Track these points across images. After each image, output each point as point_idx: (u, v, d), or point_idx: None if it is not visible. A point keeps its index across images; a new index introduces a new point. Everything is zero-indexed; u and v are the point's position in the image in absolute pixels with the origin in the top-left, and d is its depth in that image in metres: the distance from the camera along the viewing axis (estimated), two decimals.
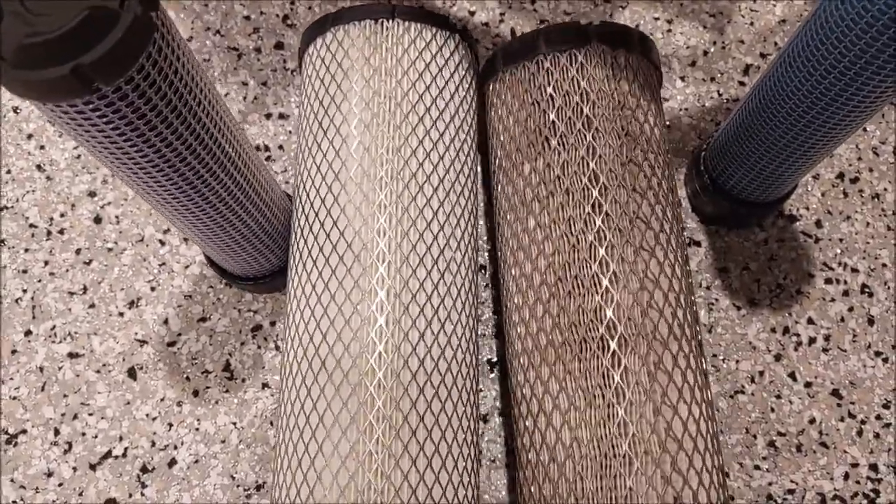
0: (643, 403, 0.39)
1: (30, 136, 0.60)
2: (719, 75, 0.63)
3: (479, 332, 0.55)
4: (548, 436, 0.41)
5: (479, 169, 0.60)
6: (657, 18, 0.65)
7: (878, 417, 0.54)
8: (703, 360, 0.43)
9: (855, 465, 0.53)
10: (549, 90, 0.47)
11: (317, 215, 0.46)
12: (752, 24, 0.65)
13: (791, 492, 0.52)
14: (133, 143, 0.34)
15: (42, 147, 0.60)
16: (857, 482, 0.52)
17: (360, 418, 0.40)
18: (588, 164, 0.44)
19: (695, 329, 0.43)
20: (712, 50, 0.64)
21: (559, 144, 0.45)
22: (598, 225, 0.43)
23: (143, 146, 0.34)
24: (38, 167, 0.59)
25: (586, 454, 0.39)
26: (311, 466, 0.40)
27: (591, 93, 0.46)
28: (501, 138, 0.49)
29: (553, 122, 0.46)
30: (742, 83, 0.63)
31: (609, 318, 0.41)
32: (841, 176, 0.61)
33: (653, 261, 0.43)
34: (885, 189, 0.60)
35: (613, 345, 0.40)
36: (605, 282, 0.42)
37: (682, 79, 0.63)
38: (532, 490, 0.42)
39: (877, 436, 0.54)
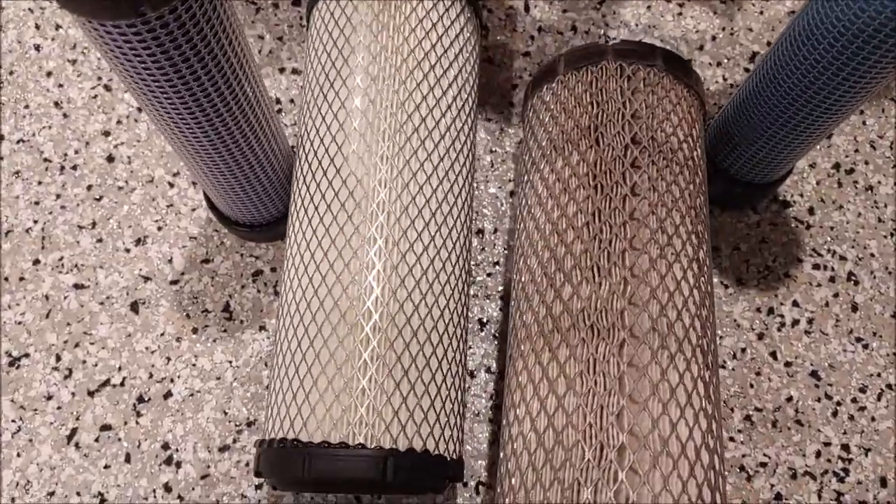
0: (640, 398, 0.39)
1: (49, 74, 0.62)
2: (726, 61, 0.65)
3: (472, 294, 0.57)
4: (538, 422, 0.41)
5: (476, 131, 0.61)
6: (669, 1, 0.66)
7: (854, 400, 0.56)
8: (709, 371, 0.42)
9: (827, 444, 0.54)
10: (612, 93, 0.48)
11: (320, 164, 0.47)
12: (761, 12, 0.66)
13: (763, 465, 0.54)
14: (164, 70, 0.36)
15: (60, 85, 0.61)
16: (829, 460, 0.54)
17: (355, 356, 0.42)
18: (623, 162, 0.45)
19: (706, 341, 0.43)
20: (721, 35, 0.65)
21: (598, 142, 0.46)
22: (625, 217, 0.43)
23: (172, 75, 0.36)
24: (56, 104, 0.61)
25: (578, 442, 0.39)
26: (306, 400, 0.42)
27: (635, 102, 0.47)
28: (550, 131, 0.49)
29: (599, 121, 0.47)
30: (747, 70, 0.64)
31: (619, 310, 0.41)
32: (837, 166, 0.62)
33: (676, 265, 0.43)
34: (879, 182, 0.62)
35: (624, 334, 0.40)
36: (621, 272, 0.42)
37: (689, 62, 0.64)
38: (513, 481, 0.41)
39: (851, 418, 0.55)
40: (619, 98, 0.47)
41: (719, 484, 0.39)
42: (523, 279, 0.47)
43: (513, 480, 0.41)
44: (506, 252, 0.58)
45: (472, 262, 0.58)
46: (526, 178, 0.50)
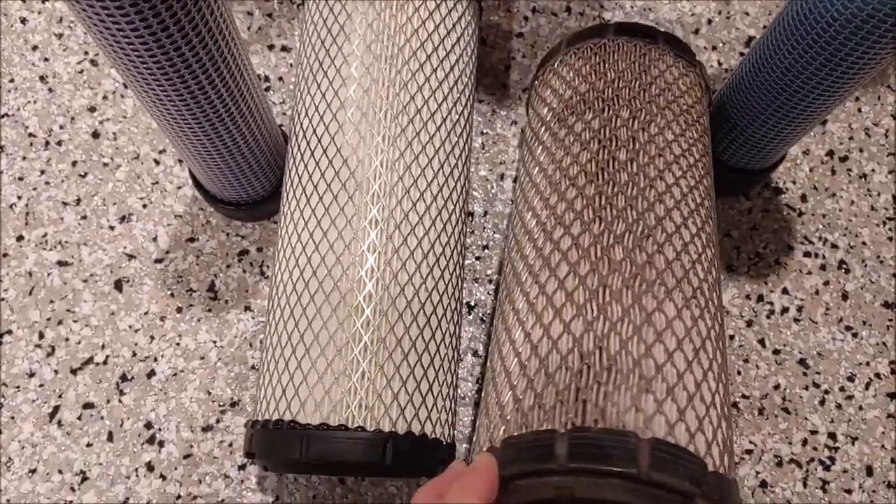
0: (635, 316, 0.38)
1: (35, 48, 0.61)
2: (721, 45, 0.64)
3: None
4: (533, 332, 0.40)
5: (474, 117, 0.60)
6: None
7: (842, 389, 0.55)
8: (719, 325, 0.42)
9: (814, 433, 0.54)
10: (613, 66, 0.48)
11: (320, 142, 0.46)
12: None
13: (749, 452, 0.53)
14: (147, 45, 0.35)
15: (46, 59, 0.60)
16: (815, 448, 0.54)
17: (356, 339, 0.42)
18: (627, 123, 0.44)
19: (716, 296, 0.42)
20: (717, 19, 0.65)
21: (601, 109, 0.46)
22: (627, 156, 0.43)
23: (155, 50, 0.35)
24: (41, 78, 0.60)
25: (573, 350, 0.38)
26: (304, 382, 0.42)
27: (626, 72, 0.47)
28: (552, 104, 0.49)
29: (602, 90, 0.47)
30: (742, 54, 0.64)
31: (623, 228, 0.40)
32: (831, 153, 0.62)
33: (676, 211, 0.42)
34: (873, 170, 0.61)
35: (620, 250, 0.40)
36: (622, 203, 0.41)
37: None
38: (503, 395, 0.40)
39: (839, 406, 0.55)
40: (621, 67, 0.47)
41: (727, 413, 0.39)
42: (518, 231, 0.46)
43: (502, 395, 0.40)
44: (496, 235, 0.58)
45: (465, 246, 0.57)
46: (527, 151, 0.50)
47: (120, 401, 0.52)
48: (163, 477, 0.51)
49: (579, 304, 0.39)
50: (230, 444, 0.51)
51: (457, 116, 0.49)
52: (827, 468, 0.54)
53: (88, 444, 0.51)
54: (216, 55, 0.39)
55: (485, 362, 0.54)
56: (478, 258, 0.57)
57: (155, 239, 0.56)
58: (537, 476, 0.34)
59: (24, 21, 0.61)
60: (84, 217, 0.56)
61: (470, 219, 0.58)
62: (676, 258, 0.40)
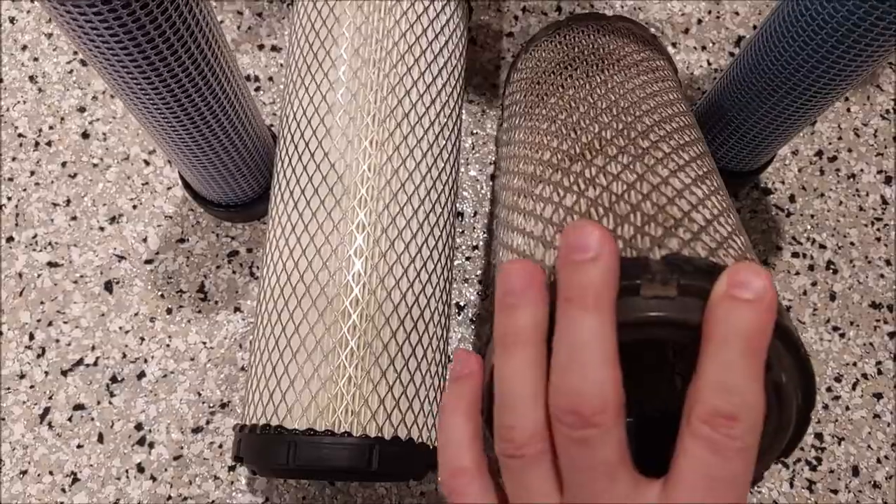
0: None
1: (24, 48, 0.61)
2: (711, 45, 0.64)
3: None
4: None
5: (463, 119, 0.60)
6: None
7: (829, 389, 0.56)
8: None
9: None
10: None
11: (307, 146, 0.46)
12: None
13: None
14: (129, 52, 0.35)
15: (36, 59, 0.60)
16: (802, 449, 0.54)
17: (342, 344, 0.42)
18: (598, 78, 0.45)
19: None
20: (707, 19, 0.65)
21: (571, 76, 0.46)
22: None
23: (138, 57, 0.35)
24: (31, 78, 0.60)
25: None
26: (291, 387, 0.42)
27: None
28: (524, 87, 0.50)
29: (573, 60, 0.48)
30: (732, 54, 0.64)
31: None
32: (819, 153, 0.62)
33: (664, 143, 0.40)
34: (862, 170, 0.61)
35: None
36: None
37: (674, 45, 0.63)
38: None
39: (825, 406, 0.55)
40: (589, 40, 0.49)
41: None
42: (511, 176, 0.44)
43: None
44: (485, 236, 0.58)
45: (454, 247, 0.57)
46: (507, 128, 0.50)
47: (110, 402, 0.52)
48: (153, 478, 0.51)
49: (586, 192, 0.35)
50: (220, 446, 0.52)
51: (445, 119, 0.49)
52: (813, 468, 0.54)
53: (79, 446, 0.51)
54: (200, 59, 0.38)
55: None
56: (468, 258, 0.57)
57: (145, 240, 0.56)
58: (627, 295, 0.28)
59: (13, 21, 0.61)
60: (74, 218, 0.56)
61: (460, 219, 0.58)
62: (674, 151, 0.38)
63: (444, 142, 0.48)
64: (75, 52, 0.61)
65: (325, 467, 0.40)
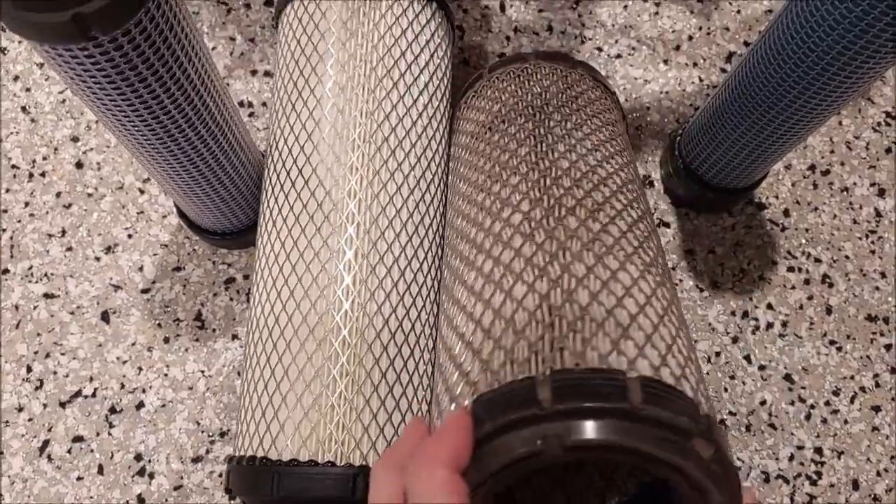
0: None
1: (16, 78, 0.61)
2: (702, 61, 0.64)
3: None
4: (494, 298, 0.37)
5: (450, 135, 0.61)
6: (646, 0, 0.65)
7: (828, 403, 0.56)
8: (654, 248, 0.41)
9: (801, 448, 0.55)
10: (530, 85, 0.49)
11: (288, 174, 0.47)
12: (738, 11, 0.66)
13: (737, 468, 0.54)
14: (121, 91, 0.35)
15: (28, 89, 0.60)
16: (802, 464, 0.54)
17: (323, 373, 0.42)
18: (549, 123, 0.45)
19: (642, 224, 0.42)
20: (697, 35, 0.65)
21: (527, 117, 0.46)
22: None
23: (130, 95, 0.35)
24: (23, 109, 0.60)
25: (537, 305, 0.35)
26: (275, 417, 0.42)
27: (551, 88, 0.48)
28: (481, 119, 0.49)
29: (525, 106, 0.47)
30: (724, 70, 0.64)
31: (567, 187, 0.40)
32: (812, 167, 0.62)
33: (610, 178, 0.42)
34: (855, 183, 0.62)
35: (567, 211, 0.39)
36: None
37: (665, 62, 0.64)
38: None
39: (824, 421, 0.55)
40: (546, 83, 0.48)
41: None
42: (458, 223, 0.45)
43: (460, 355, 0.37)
44: None
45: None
46: (455, 164, 0.50)
47: (109, 433, 0.52)
48: None
49: (541, 266, 0.36)
50: (220, 475, 0.52)
51: (432, 132, 0.49)
52: (814, 483, 0.54)
53: (79, 478, 0.51)
54: (192, 93, 0.38)
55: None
56: None
57: (141, 269, 0.56)
58: (517, 428, 0.30)
59: (4, 51, 0.61)
60: (70, 248, 0.56)
61: None
62: (630, 230, 0.39)
63: (431, 153, 0.48)
64: None
65: (310, 497, 0.40)
